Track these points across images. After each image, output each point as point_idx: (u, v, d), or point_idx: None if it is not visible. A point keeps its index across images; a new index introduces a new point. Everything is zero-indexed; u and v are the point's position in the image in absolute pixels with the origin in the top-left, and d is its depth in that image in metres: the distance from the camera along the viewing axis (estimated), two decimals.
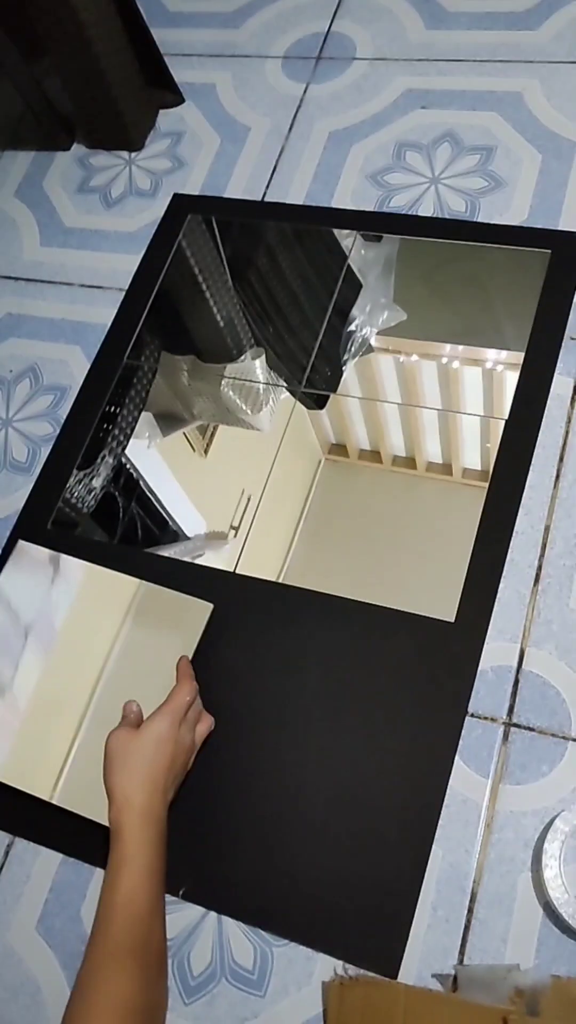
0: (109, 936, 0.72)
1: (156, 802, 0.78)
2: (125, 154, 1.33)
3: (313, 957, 0.80)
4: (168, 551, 1.04)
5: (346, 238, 1.16)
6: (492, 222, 1.12)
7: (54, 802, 0.88)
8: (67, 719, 0.92)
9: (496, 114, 1.19)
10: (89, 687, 0.93)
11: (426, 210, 1.15)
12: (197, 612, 0.95)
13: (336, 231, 1.17)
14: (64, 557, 1.01)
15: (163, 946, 0.75)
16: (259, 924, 0.82)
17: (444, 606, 0.91)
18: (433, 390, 1.08)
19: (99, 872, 0.87)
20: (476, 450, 1.04)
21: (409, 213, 1.16)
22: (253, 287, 1.19)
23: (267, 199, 1.22)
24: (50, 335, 1.21)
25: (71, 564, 1.00)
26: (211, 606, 0.95)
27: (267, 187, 1.23)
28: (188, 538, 1.06)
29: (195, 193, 1.26)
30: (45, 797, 0.89)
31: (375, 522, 1.04)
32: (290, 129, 1.27)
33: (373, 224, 1.16)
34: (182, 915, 0.84)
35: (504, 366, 1.04)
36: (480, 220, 1.13)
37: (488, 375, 1.05)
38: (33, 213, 1.32)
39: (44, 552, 1.02)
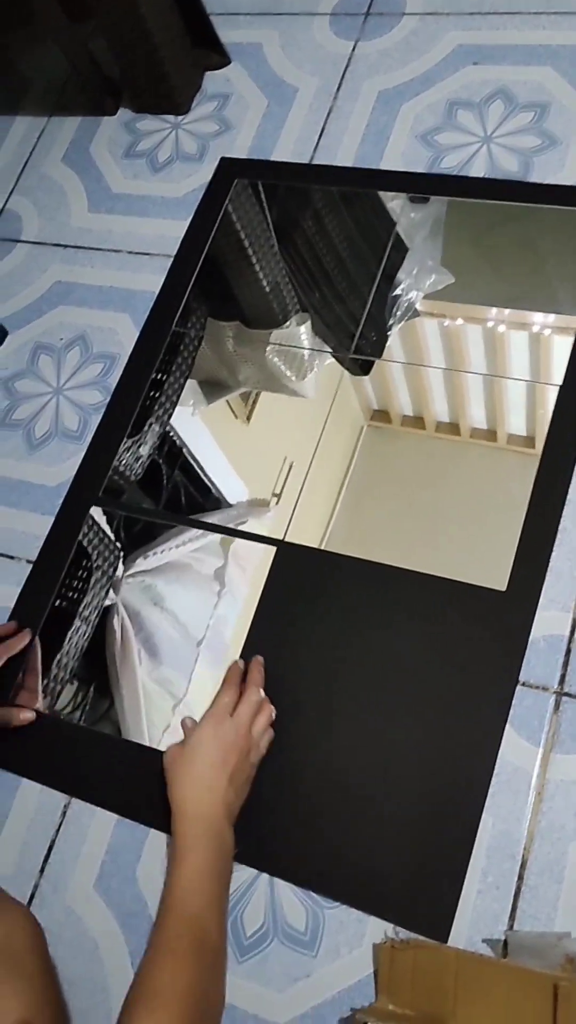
0: (164, 933, 0.74)
1: (208, 804, 0.81)
2: (171, 118, 1.32)
3: (364, 920, 0.81)
4: (211, 518, 1.04)
5: (392, 200, 1.14)
6: (546, 182, 1.09)
7: None
8: None
9: (551, 68, 1.15)
10: None
11: (478, 170, 1.13)
12: None
13: (383, 193, 1.15)
14: (230, 569, 1.02)
15: (220, 941, 0.76)
16: (311, 887, 0.84)
17: (495, 575, 0.91)
18: (479, 355, 1.07)
19: (154, 833, 0.89)
20: (522, 416, 1.02)
21: (460, 174, 1.13)
22: (299, 252, 1.18)
23: (315, 161, 1.20)
24: (99, 303, 1.22)
25: (236, 578, 1.02)
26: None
27: (315, 149, 1.21)
28: (231, 505, 1.06)
29: (242, 156, 1.25)
30: None
31: (420, 489, 1.03)
32: (338, 89, 1.24)
33: (423, 186, 1.14)
34: (235, 876, 0.85)
35: (552, 330, 1.02)
36: (533, 180, 1.10)
37: (535, 339, 1.03)
38: (81, 179, 1.32)
39: (211, 565, 1.03)
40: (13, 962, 0.67)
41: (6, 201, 1.35)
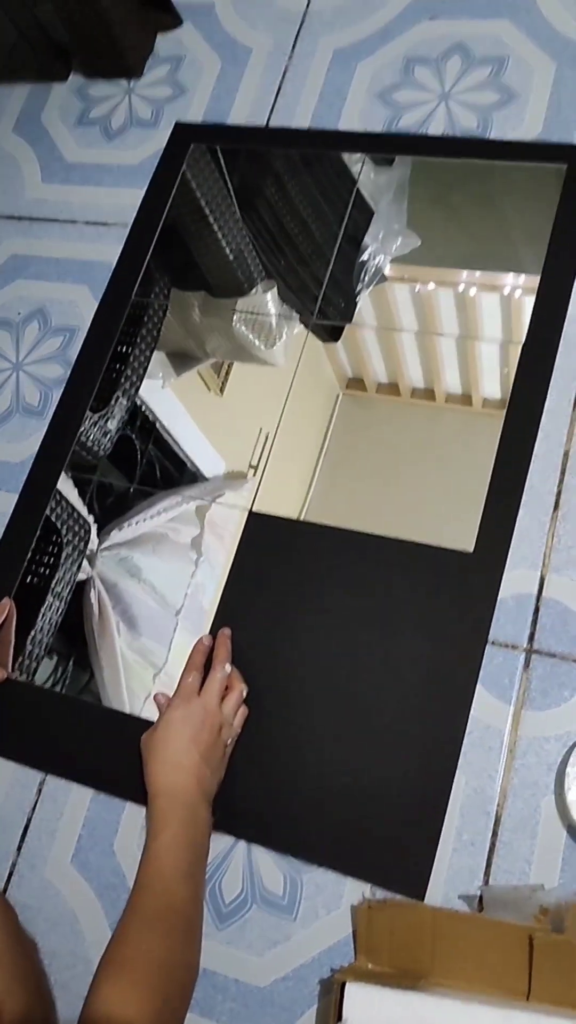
0: (139, 904, 0.75)
1: (180, 782, 0.80)
2: (124, 82, 1.29)
3: (342, 882, 0.82)
4: (188, 492, 1.03)
5: (355, 163, 1.13)
6: (505, 138, 1.08)
7: None
8: None
9: (508, 21, 1.14)
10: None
11: (437, 128, 1.11)
12: None
13: (345, 155, 1.13)
14: (206, 537, 1.01)
15: (192, 911, 0.76)
16: (288, 851, 0.84)
17: (463, 537, 0.91)
18: (451, 319, 1.06)
19: (130, 806, 0.89)
20: (496, 379, 1.02)
21: (419, 133, 1.12)
22: (262, 217, 1.16)
23: (272, 124, 1.18)
24: (57, 275, 1.20)
25: (213, 546, 1.01)
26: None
27: (271, 111, 1.19)
28: (207, 479, 1.06)
29: (198, 121, 1.22)
30: None
31: (395, 455, 1.03)
32: (293, 48, 1.22)
33: (383, 146, 1.12)
34: (212, 844, 0.86)
35: (522, 290, 1.02)
36: (493, 137, 1.08)
37: (506, 301, 1.03)
38: (33, 149, 1.29)
39: (187, 535, 1.02)
40: None
41: None
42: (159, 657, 0.97)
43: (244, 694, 0.88)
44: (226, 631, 0.92)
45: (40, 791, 0.93)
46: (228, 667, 0.88)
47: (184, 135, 1.21)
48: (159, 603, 1.00)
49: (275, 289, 1.12)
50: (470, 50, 1.14)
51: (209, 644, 0.91)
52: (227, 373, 1.13)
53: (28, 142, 1.30)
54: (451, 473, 0.99)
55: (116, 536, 1.04)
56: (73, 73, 1.33)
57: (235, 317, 1.12)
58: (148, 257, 1.15)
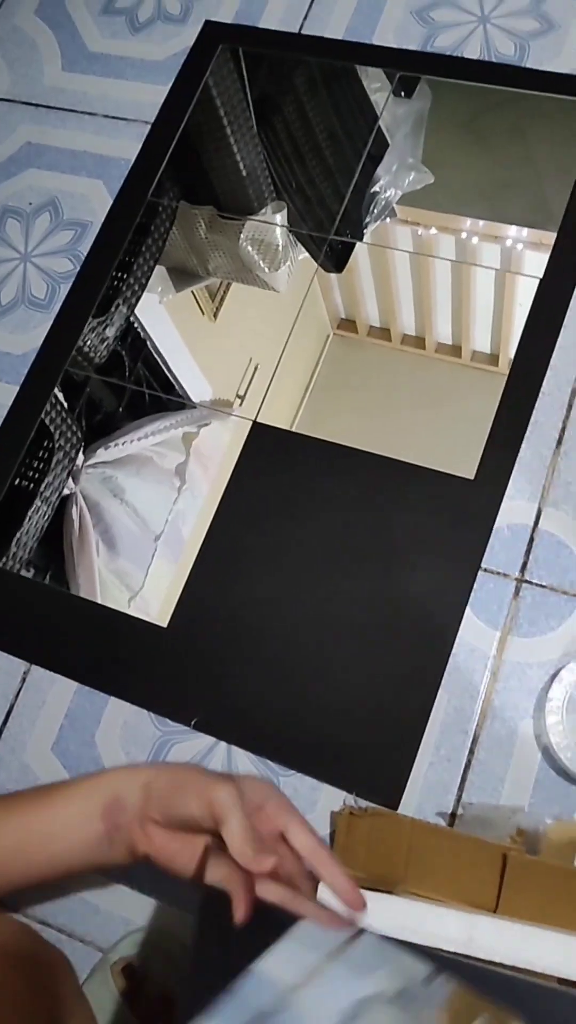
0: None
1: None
2: None
3: (318, 787, 0.84)
4: (175, 418, 1.03)
5: (376, 92, 1.10)
6: (542, 68, 1.06)
7: None
8: None
9: None
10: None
11: (472, 52, 1.09)
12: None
13: (367, 82, 1.11)
14: (191, 465, 1.00)
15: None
16: (266, 754, 0.86)
17: (464, 464, 0.91)
18: (449, 268, 1.05)
19: (113, 701, 0.90)
20: (487, 333, 1.01)
21: (454, 55, 1.09)
22: (278, 135, 1.14)
23: (304, 31, 1.15)
24: (71, 167, 1.17)
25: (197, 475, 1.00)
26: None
27: (304, 18, 1.16)
28: (194, 405, 1.04)
29: (228, 21, 1.19)
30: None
31: (388, 395, 1.02)
32: None
33: (416, 64, 1.10)
34: (192, 744, 0.87)
35: (524, 244, 1.01)
36: (529, 66, 1.07)
37: (507, 253, 1.02)
38: (55, 34, 1.25)
39: (172, 460, 1.01)
40: None
41: None
42: (136, 580, 0.97)
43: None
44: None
45: (24, 680, 0.93)
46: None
47: (214, 34, 1.18)
48: (140, 526, 1.00)
49: (285, 211, 1.10)
50: None
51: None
52: (221, 299, 1.11)
53: (50, 27, 1.25)
54: (445, 415, 0.98)
55: (102, 454, 1.03)
56: None
57: (242, 236, 1.10)
58: (167, 158, 1.12)
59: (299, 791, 0.84)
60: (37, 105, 1.21)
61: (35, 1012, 0.59)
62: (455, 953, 0.66)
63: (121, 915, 0.83)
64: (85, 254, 1.10)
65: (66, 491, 1.02)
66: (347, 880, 0.58)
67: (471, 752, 0.83)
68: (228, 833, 0.56)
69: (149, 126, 1.15)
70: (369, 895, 0.71)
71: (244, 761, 0.86)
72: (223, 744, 0.87)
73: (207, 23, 1.19)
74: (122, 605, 0.95)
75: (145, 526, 0.99)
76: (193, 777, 0.62)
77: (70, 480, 1.02)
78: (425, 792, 0.82)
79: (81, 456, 1.03)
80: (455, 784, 0.82)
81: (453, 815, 0.81)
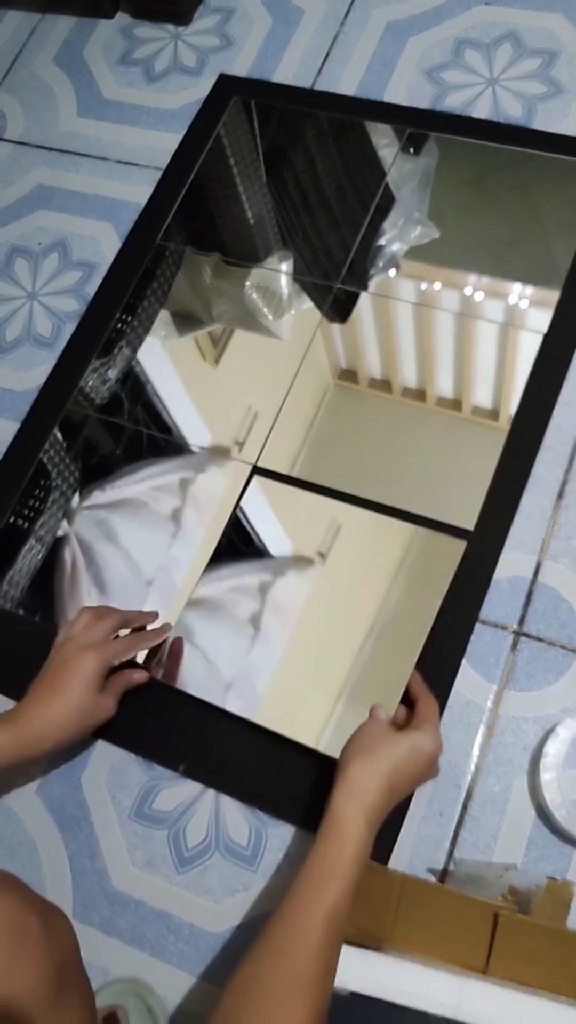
0: (303, 955, 0.62)
1: (382, 806, 0.71)
2: (171, 27, 1.28)
3: (307, 839, 0.82)
4: (172, 463, 1.02)
5: (384, 147, 1.12)
6: (548, 130, 1.08)
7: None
8: None
9: (562, 15, 1.14)
10: None
11: (481, 112, 1.11)
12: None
13: (376, 139, 1.13)
14: (187, 512, 0.99)
15: (329, 990, 0.64)
16: (255, 803, 0.84)
17: (464, 515, 0.91)
18: (452, 321, 1.05)
19: (100, 743, 0.89)
20: (489, 388, 1.01)
21: (462, 115, 1.12)
22: (287, 186, 1.15)
23: (317, 87, 1.18)
24: (81, 210, 1.18)
25: (192, 521, 0.99)
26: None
27: (317, 75, 1.19)
28: (192, 451, 1.04)
29: (242, 75, 1.21)
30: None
31: (385, 449, 1.01)
32: (346, 15, 1.21)
33: (425, 122, 1.12)
34: (181, 790, 0.85)
35: (529, 301, 1.02)
36: (536, 127, 1.09)
37: (511, 311, 1.02)
38: (71, 82, 1.27)
39: (168, 505, 1.00)
40: None
41: None
42: None
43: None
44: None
45: None
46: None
47: (228, 86, 1.20)
48: (132, 571, 0.99)
49: (291, 260, 1.11)
50: (522, 40, 1.14)
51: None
52: (224, 345, 1.12)
53: (67, 74, 1.28)
54: (443, 469, 0.98)
55: (98, 496, 1.03)
56: (120, 12, 1.31)
57: (248, 283, 1.11)
58: (177, 204, 1.14)
59: (286, 842, 0.82)
60: (51, 149, 1.23)
61: (48, 954, 0.61)
62: (444, 1017, 0.65)
63: (100, 964, 0.81)
64: (92, 295, 1.11)
65: (60, 532, 1.01)
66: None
67: (464, 808, 0.81)
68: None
69: (161, 172, 1.17)
70: (359, 954, 0.70)
71: (232, 809, 0.84)
72: (211, 792, 0.85)
73: (222, 76, 1.22)
74: None
75: (138, 571, 0.98)
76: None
77: (65, 521, 1.01)
78: (416, 847, 0.80)
79: (77, 497, 1.02)
80: (447, 840, 0.80)
81: (444, 871, 0.79)
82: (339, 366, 1.07)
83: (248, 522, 0.97)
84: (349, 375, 1.07)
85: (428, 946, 0.74)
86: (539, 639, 0.86)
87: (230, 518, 0.96)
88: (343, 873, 0.65)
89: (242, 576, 0.95)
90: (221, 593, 0.94)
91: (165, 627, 0.92)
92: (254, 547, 0.97)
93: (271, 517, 0.98)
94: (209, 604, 0.94)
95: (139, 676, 0.87)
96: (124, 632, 0.90)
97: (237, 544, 0.96)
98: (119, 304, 1.10)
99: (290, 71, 1.20)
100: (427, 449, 1.00)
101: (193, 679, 0.90)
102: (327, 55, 1.20)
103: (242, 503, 0.97)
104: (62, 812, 0.87)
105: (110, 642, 0.85)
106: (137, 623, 0.90)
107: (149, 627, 0.92)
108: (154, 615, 0.92)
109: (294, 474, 0.98)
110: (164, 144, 1.19)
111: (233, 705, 0.88)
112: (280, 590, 0.94)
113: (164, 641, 0.91)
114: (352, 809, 0.68)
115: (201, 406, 1.08)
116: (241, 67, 1.22)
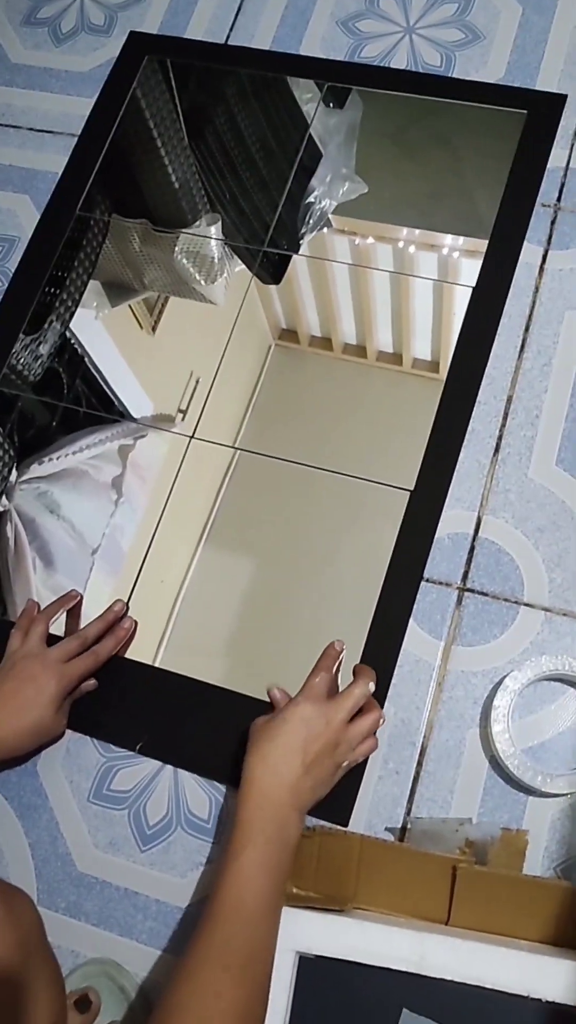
0: (214, 939, 0.65)
1: (275, 786, 0.72)
2: None
3: None
4: (112, 431, 1.01)
5: (308, 102, 1.10)
6: (467, 78, 1.07)
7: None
8: None
9: None
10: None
11: (399, 62, 1.09)
12: None
13: (298, 92, 1.10)
14: (128, 478, 0.98)
15: (271, 955, 0.67)
16: (214, 776, 0.84)
17: (403, 476, 0.91)
18: (387, 276, 1.05)
19: None
20: (427, 340, 1.01)
21: (381, 65, 1.10)
22: (210, 147, 1.12)
23: (231, 42, 1.15)
24: None
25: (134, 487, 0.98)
26: None
27: (231, 29, 1.15)
28: (134, 419, 1.02)
29: (153, 32, 1.17)
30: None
31: (329, 407, 1.01)
32: None
33: (344, 74, 1.10)
34: (139, 768, 0.85)
35: (460, 252, 1.01)
36: (455, 76, 1.07)
37: (444, 262, 1.02)
38: None
39: (108, 473, 0.99)
40: None
41: None
42: None
43: (380, 723, 0.79)
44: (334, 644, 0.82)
45: None
46: (371, 686, 0.78)
47: (139, 45, 1.16)
48: (77, 541, 0.98)
49: (219, 223, 1.09)
50: None
51: (341, 649, 0.82)
52: (160, 312, 1.09)
53: None
54: (387, 424, 0.98)
55: (36, 470, 1.01)
56: None
57: (177, 249, 1.09)
58: (95, 172, 1.11)
59: None
60: None
61: (9, 934, 0.62)
62: (408, 972, 0.66)
63: (69, 948, 0.81)
64: (13, 271, 1.08)
65: (0, 509, 0.99)
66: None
67: (419, 764, 0.82)
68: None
69: (76, 139, 1.13)
70: (322, 918, 0.71)
71: (191, 783, 0.85)
72: (169, 768, 0.85)
73: (132, 34, 1.18)
74: (60, 622, 0.92)
75: (82, 541, 0.97)
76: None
77: (4, 498, 0.99)
78: (375, 807, 0.81)
79: (15, 473, 1.00)
80: (404, 798, 0.82)
81: (403, 829, 0.81)
82: (279, 326, 1.06)
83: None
84: (290, 335, 1.06)
85: (391, 904, 0.75)
86: (483, 593, 0.87)
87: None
88: (239, 857, 0.68)
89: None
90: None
91: (125, 627, 0.89)
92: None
93: None
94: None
95: (88, 685, 0.87)
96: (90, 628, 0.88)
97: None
98: (43, 277, 1.07)
99: (202, 26, 1.16)
100: (370, 406, 1.00)
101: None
102: (239, 8, 1.16)
103: None
104: (20, 800, 0.86)
105: (74, 662, 0.84)
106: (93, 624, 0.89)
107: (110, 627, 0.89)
108: (75, 593, 0.92)
109: (239, 440, 0.97)
110: (77, 109, 1.15)
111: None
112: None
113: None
114: (243, 798, 0.71)
115: (141, 375, 1.06)
116: (152, 24, 1.18)
